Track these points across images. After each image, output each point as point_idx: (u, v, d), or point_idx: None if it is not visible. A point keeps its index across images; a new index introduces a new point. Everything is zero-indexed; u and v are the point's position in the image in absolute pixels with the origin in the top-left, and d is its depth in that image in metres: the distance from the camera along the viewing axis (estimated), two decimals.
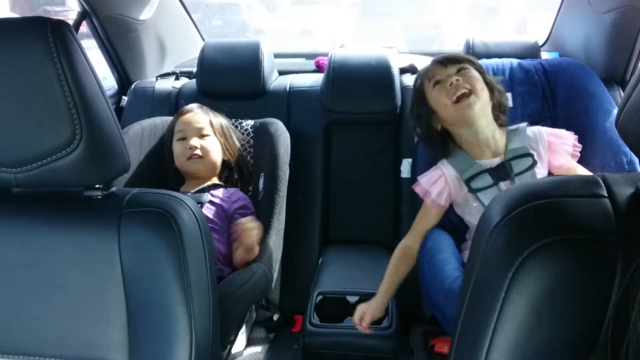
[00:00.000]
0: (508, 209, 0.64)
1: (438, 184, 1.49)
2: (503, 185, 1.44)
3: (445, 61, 1.48)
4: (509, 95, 1.61)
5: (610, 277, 0.59)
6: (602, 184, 0.65)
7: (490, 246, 0.65)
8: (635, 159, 1.53)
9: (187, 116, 1.71)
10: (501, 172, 1.44)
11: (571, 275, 0.60)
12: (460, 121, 1.46)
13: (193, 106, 1.76)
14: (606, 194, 0.63)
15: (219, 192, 1.64)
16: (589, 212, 0.62)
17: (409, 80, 2.00)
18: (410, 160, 1.77)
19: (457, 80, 1.43)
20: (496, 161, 1.46)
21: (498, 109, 1.50)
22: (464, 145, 1.50)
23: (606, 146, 1.55)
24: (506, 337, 0.62)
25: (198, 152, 1.65)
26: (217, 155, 1.69)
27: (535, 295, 0.61)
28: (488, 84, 1.48)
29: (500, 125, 1.50)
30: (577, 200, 0.63)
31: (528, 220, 0.63)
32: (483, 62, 1.80)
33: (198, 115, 1.71)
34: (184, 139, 1.67)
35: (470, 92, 1.42)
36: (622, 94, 1.81)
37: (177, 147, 1.68)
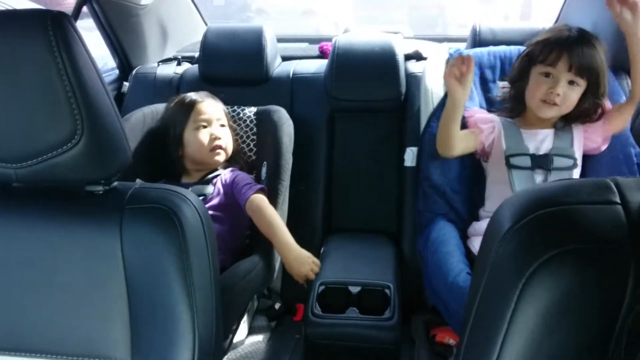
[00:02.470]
0: (519, 215, 0.63)
1: (488, 126, 1.55)
2: (538, 173, 1.50)
3: (572, 65, 1.44)
4: None
5: (622, 287, 0.58)
6: (615, 190, 0.63)
7: (501, 254, 0.63)
8: None
9: (208, 104, 1.67)
10: (542, 161, 1.50)
11: (582, 286, 0.59)
12: (534, 110, 1.52)
13: (203, 94, 1.71)
14: (619, 200, 0.62)
15: (220, 179, 1.63)
16: (601, 220, 0.60)
17: (414, 67, 1.97)
18: (414, 149, 1.76)
19: (558, 95, 1.45)
20: (541, 134, 1.53)
21: (574, 115, 1.53)
22: (525, 116, 1.58)
23: (615, 138, 1.55)
24: (515, 348, 0.61)
25: (221, 142, 1.63)
26: (232, 146, 1.68)
27: (545, 306, 0.60)
28: (586, 97, 1.49)
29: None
30: (589, 208, 0.61)
31: (539, 229, 0.62)
32: (490, 49, 1.79)
33: (216, 104, 1.70)
34: (205, 127, 1.63)
35: (557, 105, 1.47)
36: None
37: (199, 136, 1.62)
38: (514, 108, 1.59)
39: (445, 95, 1.70)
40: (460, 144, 1.54)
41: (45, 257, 0.88)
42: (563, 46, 1.46)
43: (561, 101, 1.46)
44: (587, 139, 1.55)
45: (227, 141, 1.65)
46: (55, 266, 0.88)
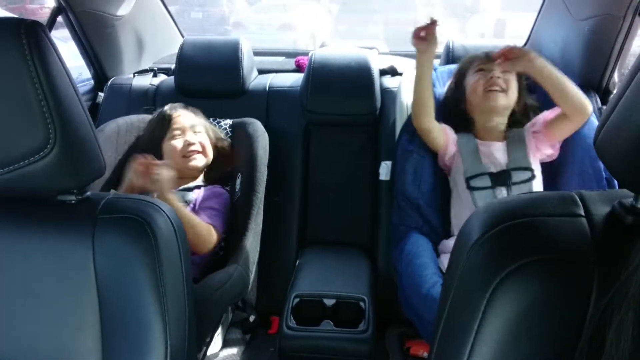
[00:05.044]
0: (486, 227, 0.64)
1: (452, 138, 1.62)
2: (500, 190, 1.53)
3: (500, 60, 1.60)
4: None
5: (587, 297, 0.60)
6: (579, 202, 0.65)
7: (469, 265, 0.65)
8: None
9: (181, 114, 1.71)
10: (501, 178, 1.54)
11: (548, 296, 0.61)
12: (482, 108, 1.59)
13: (177, 106, 1.76)
14: (583, 213, 0.64)
15: (201, 191, 1.64)
16: (566, 232, 0.62)
17: (389, 82, 2.00)
18: (389, 162, 1.77)
19: (498, 77, 1.57)
20: (496, 146, 1.59)
21: (517, 117, 1.65)
22: (475, 130, 1.64)
23: (584, 152, 1.58)
24: (483, 358, 0.62)
25: (197, 147, 1.66)
26: (210, 152, 1.71)
27: (512, 316, 0.61)
28: (520, 91, 1.63)
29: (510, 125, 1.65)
30: (554, 220, 0.63)
31: (506, 240, 0.63)
32: None
33: (189, 113, 1.73)
34: (179, 135, 1.67)
35: (503, 90, 1.56)
36: (598, 100, 1.83)
37: (173, 143, 1.66)
38: (461, 123, 1.65)
39: None
40: (433, 117, 1.59)
41: (16, 266, 0.87)
42: (488, 53, 1.65)
43: (504, 83, 1.56)
44: (537, 150, 1.59)
45: (204, 145, 1.69)
46: (26, 276, 0.87)
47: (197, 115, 1.76)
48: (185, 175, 1.66)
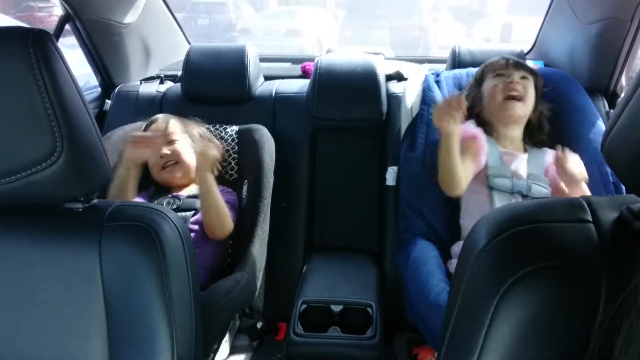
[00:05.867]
0: (493, 233, 0.64)
1: (483, 141, 1.57)
2: (517, 197, 1.51)
3: (515, 64, 1.62)
4: None
5: (595, 303, 0.59)
6: (587, 208, 0.65)
7: (476, 271, 0.64)
8: None
9: (155, 125, 1.68)
10: (521, 187, 1.52)
11: (556, 303, 0.60)
12: (500, 118, 1.58)
13: (159, 115, 1.73)
14: (591, 219, 0.63)
15: None
16: (573, 238, 0.62)
17: (395, 87, 2.00)
18: (395, 168, 1.77)
19: (517, 83, 1.57)
20: (521, 158, 1.57)
21: (532, 127, 1.63)
22: (496, 137, 1.61)
23: (591, 157, 1.56)
24: None
25: (170, 158, 1.61)
26: (190, 158, 1.64)
27: (519, 323, 0.61)
28: (536, 100, 1.61)
29: (528, 140, 1.63)
30: (562, 226, 0.63)
31: (513, 247, 0.63)
32: (469, 70, 1.82)
33: (164, 123, 1.68)
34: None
35: (520, 99, 1.55)
36: (606, 104, 1.82)
37: (150, 158, 1.62)
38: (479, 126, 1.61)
39: (417, 116, 1.72)
40: (465, 178, 1.50)
41: (22, 274, 0.87)
42: (507, 58, 1.64)
43: (522, 91, 1.55)
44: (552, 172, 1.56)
45: (179, 153, 1.63)
46: (32, 284, 0.87)
47: (188, 124, 1.72)
48: (174, 184, 1.65)
